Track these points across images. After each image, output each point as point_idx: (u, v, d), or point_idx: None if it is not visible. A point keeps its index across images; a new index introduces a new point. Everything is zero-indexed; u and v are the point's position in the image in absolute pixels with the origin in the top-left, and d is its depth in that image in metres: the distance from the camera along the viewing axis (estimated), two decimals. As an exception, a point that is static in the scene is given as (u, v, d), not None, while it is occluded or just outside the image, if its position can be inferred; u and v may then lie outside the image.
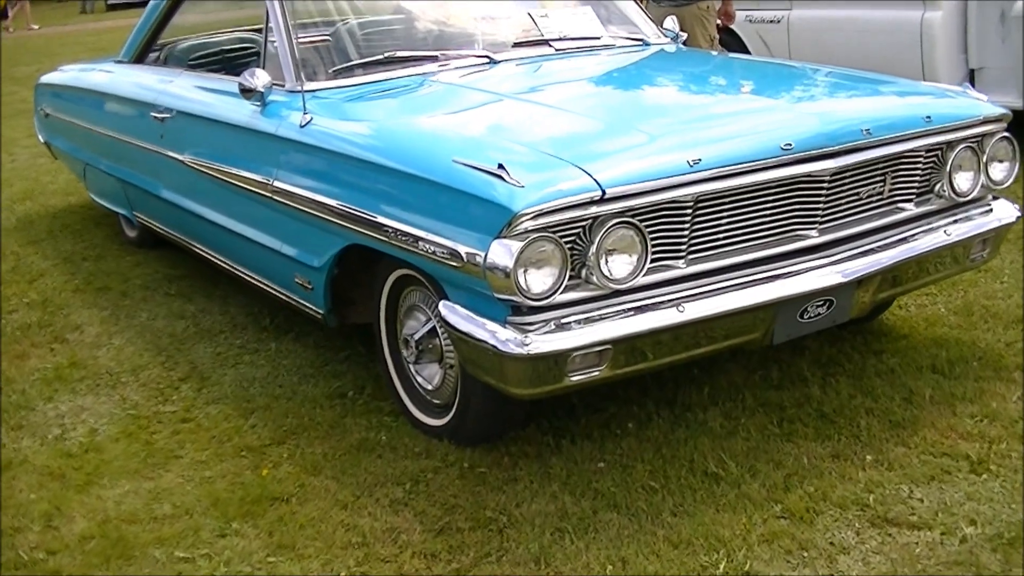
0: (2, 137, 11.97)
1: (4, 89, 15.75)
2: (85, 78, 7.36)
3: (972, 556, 3.52)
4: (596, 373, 3.75)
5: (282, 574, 3.66)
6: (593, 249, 3.65)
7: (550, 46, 5.38)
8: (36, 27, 29.13)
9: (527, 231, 3.54)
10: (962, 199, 4.56)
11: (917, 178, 4.46)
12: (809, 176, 4.04)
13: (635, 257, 3.74)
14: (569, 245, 3.64)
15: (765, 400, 4.56)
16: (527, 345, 3.60)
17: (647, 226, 3.75)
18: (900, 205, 4.46)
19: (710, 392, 4.63)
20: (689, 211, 3.84)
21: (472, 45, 5.33)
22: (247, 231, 5.22)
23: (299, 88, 4.76)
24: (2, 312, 6.36)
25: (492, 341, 3.66)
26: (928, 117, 4.40)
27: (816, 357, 4.91)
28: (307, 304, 4.89)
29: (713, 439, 4.28)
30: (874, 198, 4.36)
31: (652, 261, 3.79)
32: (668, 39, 5.84)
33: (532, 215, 3.53)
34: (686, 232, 3.87)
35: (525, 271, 3.57)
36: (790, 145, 3.96)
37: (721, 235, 3.97)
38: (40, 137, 8.44)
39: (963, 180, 4.55)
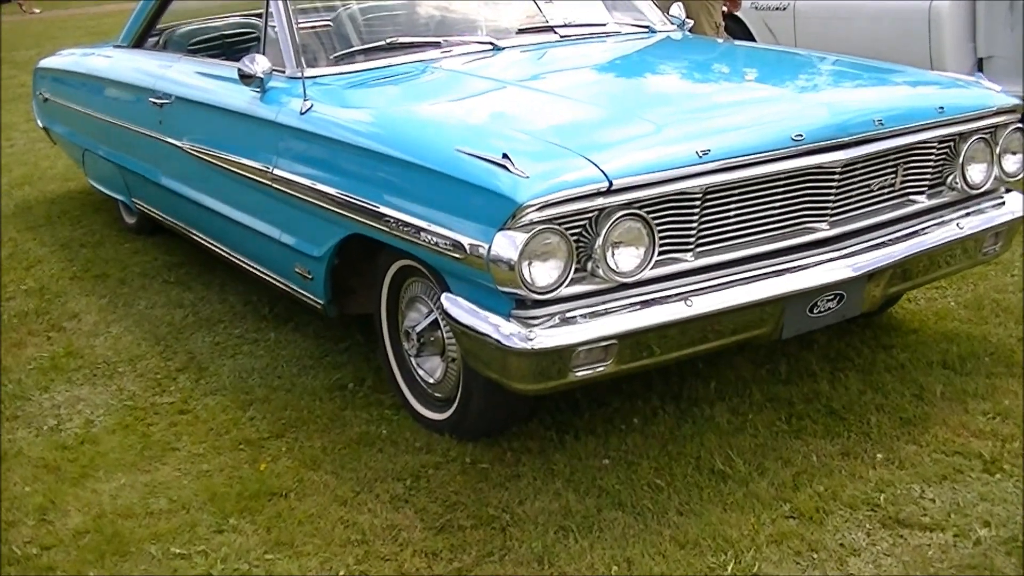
0: (1, 122, 11.86)
1: (4, 73, 15.66)
2: (84, 63, 7.27)
3: (986, 559, 3.44)
4: (601, 369, 3.66)
5: (280, 572, 3.59)
6: (599, 241, 3.57)
7: (555, 33, 5.29)
8: (38, 11, 29.02)
9: (532, 223, 3.45)
10: (975, 191, 4.47)
11: (929, 170, 4.38)
12: (820, 168, 3.96)
13: (642, 250, 3.66)
14: (575, 237, 3.56)
15: (773, 395, 4.48)
16: (531, 340, 3.52)
17: (654, 218, 3.67)
18: (912, 197, 4.37)
19: (717, 387, 4.55)
20: (698, 203, 3.75)
21: (475, 31, 5.25)
22: (246, 219, 5.14)
23: (299, 74, 4.67)
24: (-1, 300, 6.28)
25: (495, 335, 3.58)
26: (941, 108, 4.32)
27: (825, 351, 4.83)
28: (306, 294, 4.81)
29: (720, 435, 4.19)
30: (885, 190, 4.28)
31: (659, 254, 3.71)
32: (674, 26, 5.75)
33: (537, 206, 3.44)
34: (694, 224, 3.78)
35: (530, 264, 3.49)
36: (801, 136, 3.88)
37: (730, 227, 3.89)
38: (39, 122, 8.36)
39: (976, 172, 4.46)
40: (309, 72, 4.69)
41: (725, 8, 7.93)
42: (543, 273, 3.52)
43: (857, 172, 4.10)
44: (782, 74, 4.86)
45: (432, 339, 4.24)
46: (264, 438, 4.42)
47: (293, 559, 3.64)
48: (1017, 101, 4.52)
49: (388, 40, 4.98)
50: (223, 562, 3.64)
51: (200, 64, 5.81)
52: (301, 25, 4.94)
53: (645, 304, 3.70)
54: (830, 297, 4.04)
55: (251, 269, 5.34)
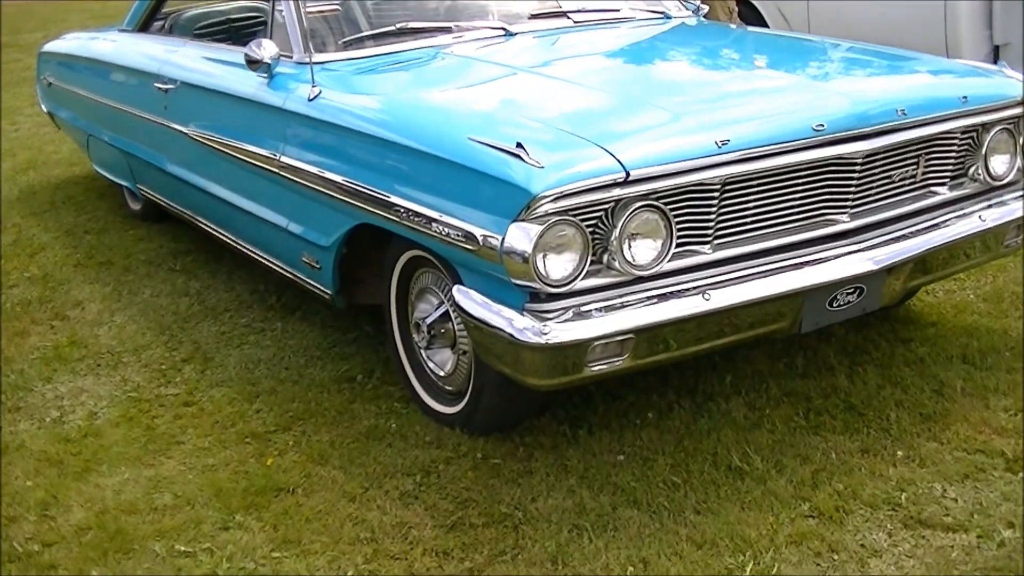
0: (5, 106, 11.76)
1: (9, 56, 15.55)
2: (89, 47, 7.17)
3: (1011, 562, 3.35)
4: (617, 363, 3.57)
5: (287, 571, 3.50)
6: (616, 233, 3.48)
7: (568, 18, 5.19)
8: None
9: (547, 214, 3.36)
10: (997, 183, 4.38)
11: (951, 161, 4.28)
12: (841, 158, 3.87)
13: (659, 242, 3.57)
14: (590, 229, 3.47)
15: (790, 390, 4.39)
16: (546, 334, 3.42)
17: (672, 210, 3.57)
18: (933, 189, 4.28)
19: (733, 381, 4.46)
20: (716, 194, 3.66)
21: (487, 16, 5.14)
22: (252, 207, 5.05)
23: (307, 60, 4.56)
24: (2, 287, 6.20)
25: (508, 329, 3.48)
26: (964, 97, 4.23)
27: (842, 345, 4.74)
28: (314, 284, 4.72)
29: (737, 431, 4.11)
30: (907, 182, 4.18)
31: (676, 246, 3.61)
32: (689, 12, 5.64)
33: (552, 197, 3.35)
34: (712, 216, 3.69)
35: (544, 256, 3.41)
36: (822, 126, 3.79)
37: (749, 219, 3.79)
38: (42, 107, 8.28)
39: (999, 163, 4.37)
40: (317, 57, 4.59)
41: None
42: (558, 266, 3.44)
43: (878, 163, 4.01)
44: (801, 62, 4.76)
45: (443, 331, 4.15)
46: (271, 431, 4.34)
47: (300, 558, 3.55)
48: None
49: (398, 25, 4.88)
50: (228, 560, 3.56)
51: (206, 49, 5.71)
52: (309, 9, 4.83)
53: (662, 298, 3.60)
54: (850, 290, 3.95)
55: (257, 258, 5.25)
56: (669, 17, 5.52)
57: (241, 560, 3.56)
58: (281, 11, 4.87)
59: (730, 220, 3.75)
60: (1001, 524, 3.52)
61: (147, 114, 5.96)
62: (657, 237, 3.56)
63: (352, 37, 4.87)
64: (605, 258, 3.53)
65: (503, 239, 3.40)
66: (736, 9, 7.72)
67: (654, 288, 3.61)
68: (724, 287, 3.69)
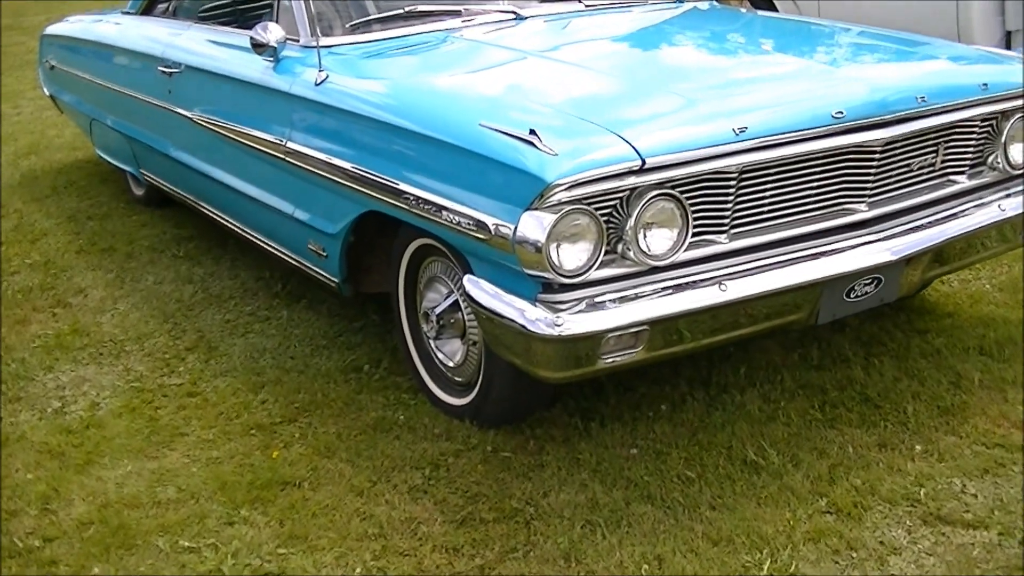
0: (6, 89, 11.66)
1: (12, 39, 15.45)
2: (91, 29, 7.07)
3: (1035, 561, 3.27)
4: (631, 356, 3.49)
5: (294, 568, 3.42)
6: (631, 223, 3.39)
7: (579, 1, 5.11)
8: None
9: (560, 203, 3.28)
10: (1016, 172, 4.29)
11: (970, 149, 4.20)
12: (860, 146, 3.78)
13: (675, 231, 3.49)
14: (605, 218, 3.38)
15: (805, 382, 4.31)
16: (559, 325, 3.33)
17: (688, 198, 3.49)
18: (952, 178, 4.19)
19: (747, 372, 4.38)
20: (733, 182, 3.57)
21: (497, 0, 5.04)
22: (258, 193, 4.96)
23: (314, 44, 4.47)
24: (3, 274, 6.11)
25: (521, 320, 3.40)
26: (985, 84, 4.14)
27: (857, 335, 4.66)
28: (320, 272, 4.64)
29: (752, 424, 4.03)
30: (925, 170, 4.09)
31: (692, 236, 3.53)
32: (701, -4, 5.56)
33: (566, 186, 3.26)
34: (729, 205, 3.60)
35: (558, 246, 3.32)
36: (841, 113, 3.70)
37: (766, 208, 3.71)
38: (45, 90, 8.18)
39: (1018, 152, 4.28)
40: (324, 41, 4.49)
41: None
42: (571, 256, 3.35)
43: (897, 151, 3.93)
44: (816, 47, 4.67)
45: (452, 321, 4.07)
46: (276, 423, 4.26)
47: (308, 554, 3.47)
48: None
49: (407, 8, 4.79)
50: (234, 556, 3.48)
51: (211, 32, 5.62)
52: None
53: (677, 288, 3.52)
54: (868, 281, 3.87)
55: (263, 245, 5.17)
56: (681, 1, 5.43)
57: (247, 556, 3.48)
58: (288, -6, 4.77)
59: (747, 209, 3.66)
60: (1023, 521, 3.44)
61: (151, 98, 5.87)
62: (673, 226, 3.48)
63: (359, 20, 4.78)
64: (619, 248, 3.45)
65: (515, 228, 3.31)
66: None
67: (669, 278, 3.53)
68: (741, 278, 3.60)
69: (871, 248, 3.84)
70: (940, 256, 4.07)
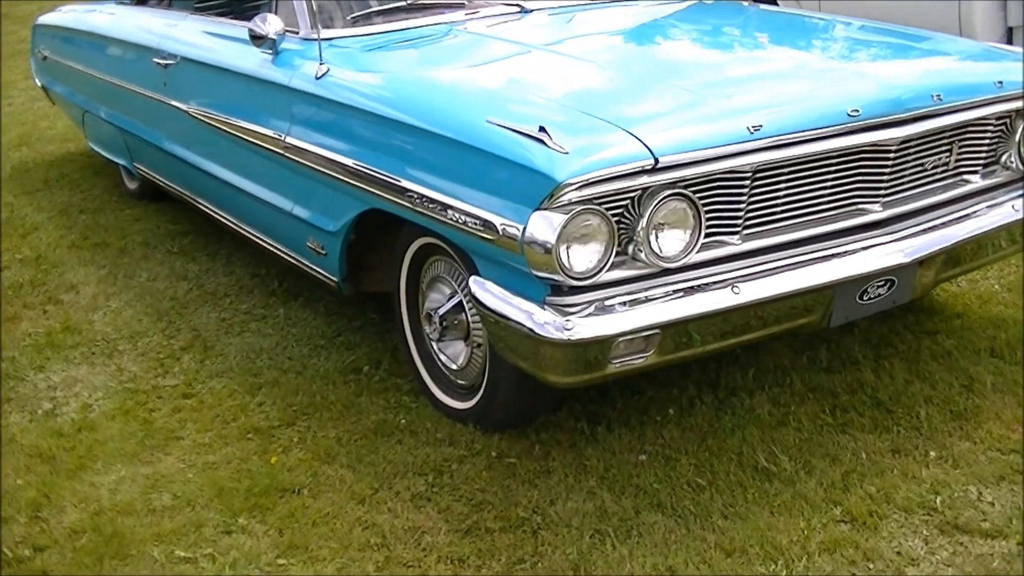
0: (-2, 80, 11.56)
1: (3, 28, 15.29)
2: (85, 19, 6.94)
3: (1057, 573, 3.18)
4: (641, 360, 3.39)
5: (294, 579, 3.32)
6: (643, 223, 3.30)
7: (585, -6, 4.99)
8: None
9: (571, 203, 3.18)
10: (1031, 171, 4.20)
11: (984, 148, 4.11)
12: (875, 145, 3.69)
13: (688, 232, 3.39)
14: (616, 218, 3.28)
15: (815, 385, 4.22)
16: (568, 329, 3.24)
17: (701, 198, 3.39)
18: (966, 177, 4.10)
19: (755, 375, 4.28)
20: (747, 182, 3.47)
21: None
22: (255, 189, 4.85)
23: (315, 36, 4.36)
24: (-6, 270, 6.00)
25: (529, 324, 3.30)
26: (1000, 82, 4.06)
27: (866, 337, 4.56)
28: (319, 270, 4.53)
29: (762, 429, 3.93)
30: (939, 170, 4.00)
31: (705, 236, 3.42)
32: (705, -11, 5.45)
33: (577, 185, 3.16)
34: (743, 205, 3.51)
35: (568, 247, 3.23)
36: (857, 111, 3.61)
37: (779, 209, 3.62)
38: (37, 81, 8.05)
39: None
40: (324, 34, 4.38)
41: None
42: (582, 257, 3.26)
43: (912, 150, 3.85)
44: (827, 43, 4.57)
45: (456, 322, 3.97)
46: (274, 426, 4.15)
47: (308, 564, 3.37)
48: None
49: (409, 0, 4.66)
50: (232, 567, 3.37)
51: (208, 23, 5.49)
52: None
53: (689, 291, 3.43)
54: (881, 283, 3.78)
55: (259, 241, 5.06)
56: (686, -6, 5.34)
57: (245, 567, 3.37)
58: (287, -15, 4.66)
59: (760, 209, 3.57)
60: (1043, 531, 3.36)
61: (145, 90, 5.76)
62: (685, 227, 3.39)
63: (361, 13, 4.66)
64: (630, 249, 3.36)
65: (524, 229, 3.21)
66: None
67: (680, 281, 3.44)
68: (754, 280, 3.52)
69: (885, 249, 3.75)
70: (953, 257, 3.98)
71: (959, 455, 3.76)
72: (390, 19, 4.63)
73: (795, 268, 3.60)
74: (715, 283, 3.46)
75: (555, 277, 3.25)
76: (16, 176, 7.90)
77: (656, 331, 3.33)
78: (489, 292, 3.47)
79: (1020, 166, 4.18)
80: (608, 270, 3.31)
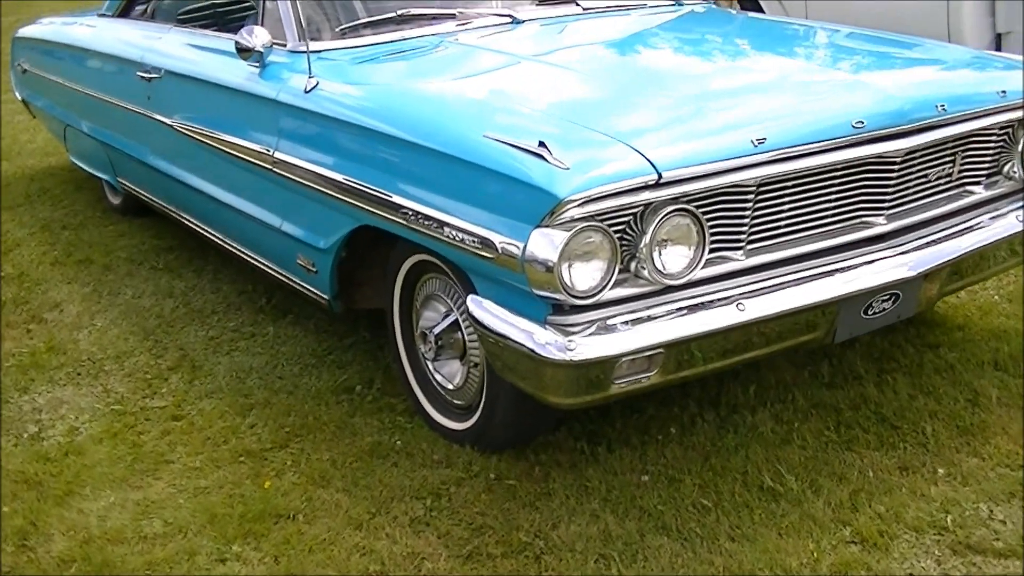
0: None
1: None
2: (66, 32, 6.83)
3: (1074, 595, 3.11)
4: (645, 380, 3.31)
5: (291, 609, 3.22)
6: (646, 240, 3.21)
7: (577, 5, 4.91)
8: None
9: (573, 219, 3.09)
10: (1034, 182, 4.14)
11: (988, 158, 4.04)
12: (880, 157, 3.61)
13: (692, 249, 3.31)
14: (618, 235, 3.19)
15: (818, 400, 4.14)
16: (571, 350, 3.15)
17: (705, 214, 3.30)
18: (969, 188, 4.03)
19: (757, 391, 4.20)
20: (751, 196, 3.39)
21: (492, 2, 4.84)
22: (243, 205, 4.75)
23: (303, 48, 4.27)
24: (-26, 288, 5.87)
25: (530, 344, 3.21)
26: (1003, 92, 4.00)
27: (868, 350, 4.49)
28: (310, 288, 4.44)
29: (766, 447, 3.85)
30: (942, 181, 3.93)
31: (709, 252, 3.34)
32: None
33: (579, 201, 3.08)
34: (746, 220, 3.42)
35: (570, 265, 3.14)
36: (862, 123, 3.54)
37: (783, 223, 3.53)
38: (16, 94, 7.92)
39: None
40: (313, 46, 4.28)
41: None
42: (584, 275, 3.17)
43: (916, 162, 3.77)
44: (827, 53, 4.49)
45: (451, 341, 3.87)
46: (266, 449, 4.05)
47: (305, 593, 3.27)
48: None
49: (399, 11, 4.58)
50: (227, 598, 3.27)
51: (192, 35, 5.39)
52: (303, -7, 4.54)
53: (692, 309, 3.34)
54: (885, 297, 3.70)
55: (247, 258, 4.95)
56: (680, 4, 5.25)
57: (240, 597, 3.28)
58: (274, -4, 4.56)
59: (764, 224, 3.49)
60: (1057, 551, 3.28)
61: (129, 104, 5.65)
62: (689, 243, 3.30)
63: (350, 24, 4.57)
64: (633, 266, 3.27)
65: (524, 247, 3.13)
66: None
67: (684, 298, 3.36)
68: (758, 296, 3.44)
69: (890, 263, 3.68)
70: (957, 270, 3.91)
71: (968, 472, 3.69)
72: (379, 31, 4.54)
73: (800, 284, 3.52)
74: (719, 300, 3.38)
75: (557, 296, 3.16)
76: (-4, 191, 7.78)
77: (660, 351, 3.24)
78: (488, 311, 3.37)
79: (1023, 176, 4.10)
80: (610, 288, 3.22)
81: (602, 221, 3.14)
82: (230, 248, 5.11)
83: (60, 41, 6.82)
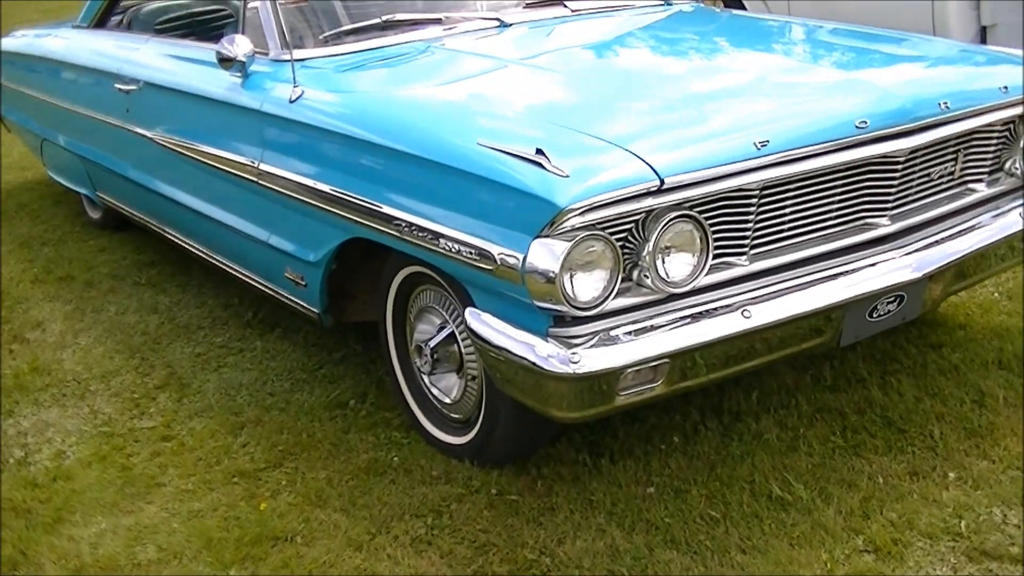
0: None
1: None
2: (40, 44, 6.69)
3: (1095, 600, 3.03)
4: (650, 391, 3.22)
5: (292, 637, 3.12)
6: (649, 247, 3.13)
7: (565, 7, 4.82)
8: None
9: (574, 229, 2.99)
10: (1036, 177, 4.07)
11: (989, 155, 3.98)
12: (884, 157, 3.54)
13: (695, 255, 3.23)
14: (620, 243, 3.10)
15: (822, 405, 4.06)
16: (575, 363, 3.05)
17: (708, 219, 3.22)
18: (971, 186, 3.96)
19: (760, 397, 4.12)
20: (754, 200, 3.31)
21: (478, 6, 4.74)
22: (228, 218, 4.64)
23: (286, 57, 4.18)
24: (-47, 307, 5.74)
25: (532, 357, 3.12)
26: (1005, 87, 3.94)
27: (870, 352, 4.41)
28: (299, 302, 4.34)
29: (772, 455, 3.77)
30: (945, 179, 3.86)
31: (712, 259, 3.25)
32: (687, -1, 5.30)
33: (580, 210, 2.98)
34: (750, 225, 3.34)
35: (572, 275, 3.05)
36: (865, 123, 3.47)
37: (786, 227, 3.45)
38: (-11, 108, 7.77)
39: None
40: (296, 55, 4.17)
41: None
42: (587, 286, 3.08)
43: (919, 161, 3.70)
44: (823, 51, 4.42)
45: (448, 354, 3.78)
46: (260, 469, 3.94)
47: (307, 620, 3.17)
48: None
49: (384, 17, 4.47)
50: (226, 626, 3.17)
51: (171, 46, 5.28)
52: (283, 1, 4.42)
53: (696, 317, 3.26)
54: (890, 299, 3.63)
55: (233, 272, 4.84)
56: (669, 4, 5.17)
57: (240, 625, 3.18)
58: (254, 5, 4.45)
59: (767, 228, 3.41)
60: (1075, 556, 3.21)
61: (108, 117, 5.53)
62: (692, 250, 3.22)
63: (333, 32, 4.47)
64: (635, 275, 3.18)
65: (524, 258, 3.03)
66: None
67: (688, 306, 3.28)
68: (763, 302, 3.35)
69: (895, 264, 3.61)
70: (962, 270, 3.84)
71: (979, 475, 3.62)
72: (364, 37, 4.44)
73: (805, 288, 3.45)
74: (724, 307, 3.30)
75: (559, 307, 3.07)
76: (-29, 207, 7.64)
77: (665, 360, 3.16)
78: (487, 324, 3.28)
79: (1024, 172, 4.05)
80: (613, 297, 3.13)
81: (603, 229, 3.06)
82: (215, 262, 5.00)
83: (35, 54, 6.68)
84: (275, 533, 3.56)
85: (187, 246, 5.27)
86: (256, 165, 4.22)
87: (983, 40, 7.67)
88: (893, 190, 3.62)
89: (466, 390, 3.77)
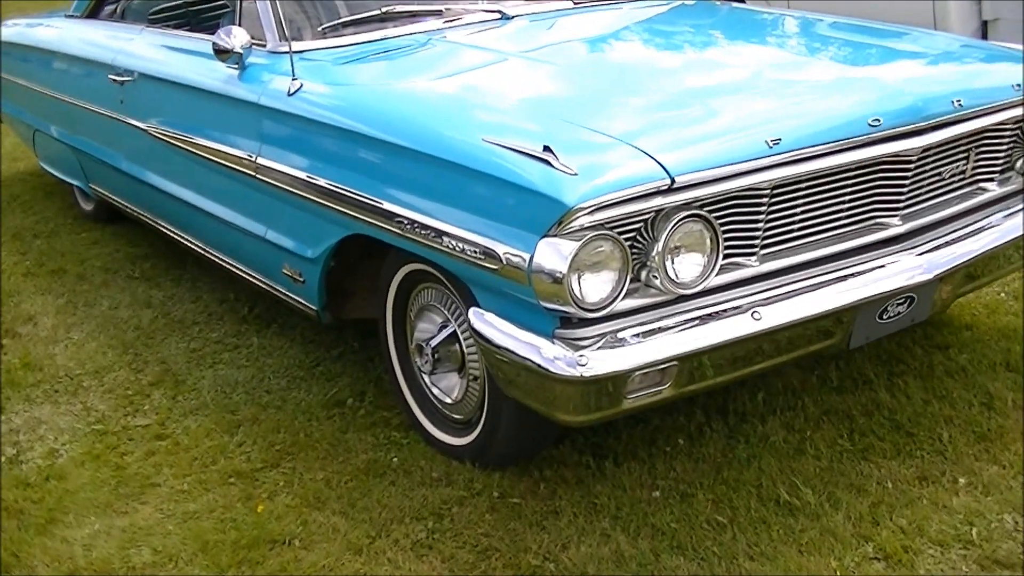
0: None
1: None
2: (32, 34, 6.61)
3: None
4: (658, 393, 3.15)
5: (291, 644, 3.04)
6: (658, 248, 3.06)
7: (568, -1, 4.74)
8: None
9: (582, 228, 2.91)
10: (1046, 177, 4.00)
11: (1001, 154, 3.91)
12: (896, 156, 3.47)
13: (705, 256, 3.16)
14: (628, 243, 3.02)
15: (829, 407, 3.99)
16: (582, 365, 2.98)
17: (718, 219, 3.14)
18: (982, 185, 3.90)
19: (765, 398, 4.05)
20: (765, 199, 3.24)
21: (478, -2, 4.68)
22: (224, 212, 4.56)
23: (284, 49, 4.10)
24: (-57, 300, 5.65)
25: (538, 359, 3.04)
26: (1018, 85, 3.88)
27: (876, 353, 4.35)
28: (297, 298, 4.26)
29: (779, 458, 3.70)
30: (956, 178, 3.79)
31: (722, 259, 3.18)
32: (690, -10, 5.22)
33: (589, 209, 2.91)
34: (760, 224, 3.27)
35: (579, 276, 2.97)
36: (878, 121, 3.39)
37: (797, 227, 3.38)
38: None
39: None
40: (296, 46, 4.09)
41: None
42: (595, 286, 3.01)
43: (931, 160, 3.63)
44: (832, 47, 4.36)
45: (449, 354, 3.70)
46: (257, 469, 3.86)
47: (306, 627, 3.10)
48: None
49: (384, 9, 4.39)
50: (223, 633, 3.10)
51: (166, 36, 5.19)
52: (281, -10, 4.35)
53: (705, 318, 3.18)
54: (900, 301, 3.56)
55: (229, 267, 4.76)
56: (671, -4, 5.10)
57: (237, 631, 3.10)
58: (251, -6, 4.37)
59: (778, 228, 3.34)
60: (1090, 565, 3.15)
61: (101, 108, 5.45)
62: (702, 250, 3.15)
63: (331, 23, 4.39)
64: (644, 275, 3.11)
65: (531, 258, 2.95)
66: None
67: (697, 307, 3.20)
68: (774, 303, 3.28)
69: (906, 265, 3.53)
70: (972, 271, 3.77)
71: (989, 481, 3.55)
72: (363, 30, 4.36)
73: (816, 289, 3.38)
74: (734, 309, 3.22)
75: (566, 309, 3.00)
76: (-38, 199, 7.54)
77: (674, 363, 3.08)
78: (491, 325, 3.21)
79: (1035, 171, 3.98)
80: (622, 298, 3.06)
81: (612, 229, 2.98)
82: (210, 256, 4.92)
83: (27, 44, 6.59)
84: (273, 536, 3.48)
85: (181, 240, 5.18)
86: (253, 159, 4.14)
87: (984, 35, 7.61)
88: (905, 189, 3.56)
89: (468, 390, 3.70)
